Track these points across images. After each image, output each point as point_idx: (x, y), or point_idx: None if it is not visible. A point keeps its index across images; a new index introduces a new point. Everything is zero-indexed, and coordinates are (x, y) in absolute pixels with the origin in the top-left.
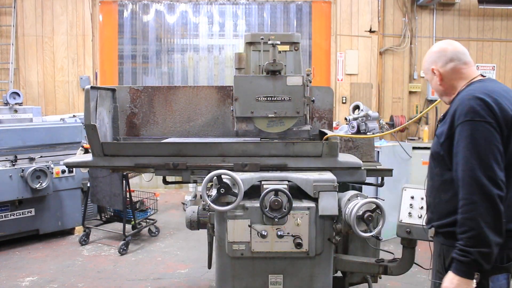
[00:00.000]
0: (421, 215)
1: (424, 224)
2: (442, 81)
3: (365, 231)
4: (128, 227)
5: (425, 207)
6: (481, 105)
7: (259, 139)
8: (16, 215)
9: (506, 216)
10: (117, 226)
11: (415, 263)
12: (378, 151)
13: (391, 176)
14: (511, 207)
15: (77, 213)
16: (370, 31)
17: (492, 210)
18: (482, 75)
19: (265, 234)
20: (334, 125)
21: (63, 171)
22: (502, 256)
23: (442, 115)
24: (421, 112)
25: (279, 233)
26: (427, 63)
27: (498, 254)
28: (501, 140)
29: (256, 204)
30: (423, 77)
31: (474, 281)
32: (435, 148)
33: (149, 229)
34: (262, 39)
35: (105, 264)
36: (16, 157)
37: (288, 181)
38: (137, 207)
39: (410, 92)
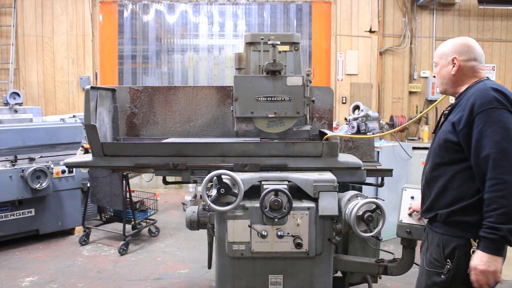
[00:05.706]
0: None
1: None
2: (457, 73)
3: (365, 231)
4: (128, 227)
5: None
6: (501, 96)
7: (259, 139)
8: (16, 215)
9: None
10: (117, 226)
11: (415, 263)
12: (378, 151)
13: (391, 176)
14: None
15: (77, 213)
16: (370, 31)
17: None
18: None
19: (265, 234)
20: (334, 125)
21: (63, 171)
22: None
23: (447, 109)
24: (421, 112)
25: (279, 233)
26: (448, 51)
27: None
28: None
29: (256, 204)
30: (423, 77)
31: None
32: (445, 136)
33: (149, 229)
34: (262, 39)
35: (105, 264)
36: (16, 157)
37: (288, 181)
38: (137, 207)
39: (410, 92)
